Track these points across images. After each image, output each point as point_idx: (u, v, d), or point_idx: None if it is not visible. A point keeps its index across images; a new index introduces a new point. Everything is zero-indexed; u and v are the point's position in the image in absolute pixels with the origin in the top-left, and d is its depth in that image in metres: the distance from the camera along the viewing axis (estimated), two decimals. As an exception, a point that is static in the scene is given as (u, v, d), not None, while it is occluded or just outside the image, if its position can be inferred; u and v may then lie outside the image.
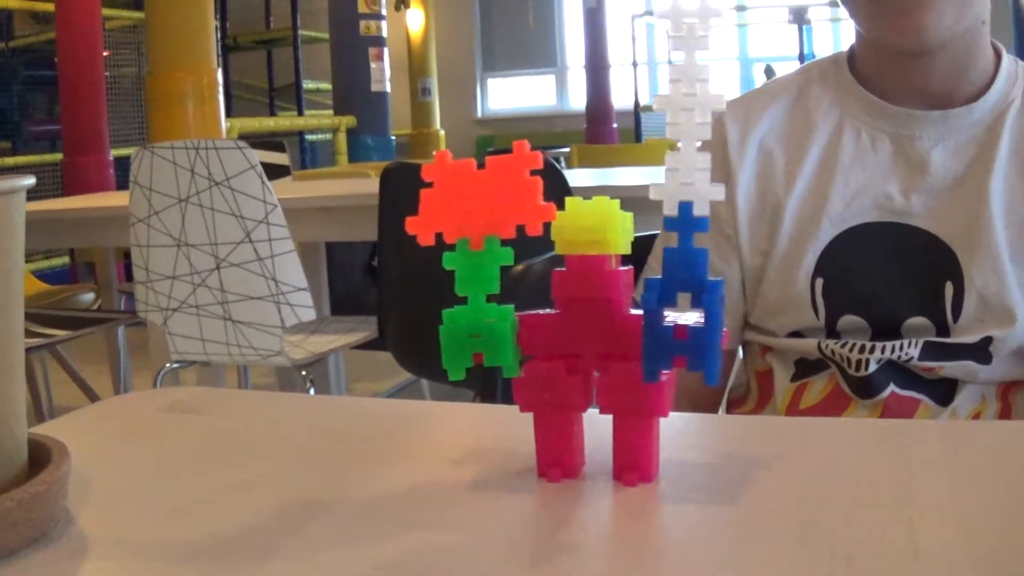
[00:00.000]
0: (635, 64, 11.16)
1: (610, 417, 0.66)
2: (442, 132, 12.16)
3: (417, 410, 0.90)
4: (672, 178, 0.60)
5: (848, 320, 1.23)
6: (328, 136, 10.26)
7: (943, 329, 1.20)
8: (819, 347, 1.23)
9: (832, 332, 1.24)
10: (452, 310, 0.64)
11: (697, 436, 0.79)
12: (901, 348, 1.20)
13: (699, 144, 0.61)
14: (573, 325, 0.65)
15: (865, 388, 1.22)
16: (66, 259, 7.80)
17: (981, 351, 1.20)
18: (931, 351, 1.20)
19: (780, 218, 1.24)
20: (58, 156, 7.57)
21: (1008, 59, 1.27)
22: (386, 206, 3.16)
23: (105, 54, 8.11)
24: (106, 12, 8.24)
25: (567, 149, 7.28)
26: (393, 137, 10.27)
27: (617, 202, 0.64)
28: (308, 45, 11.48)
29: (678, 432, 0.76)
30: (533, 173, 0.64)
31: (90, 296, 6.11)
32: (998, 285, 1.19)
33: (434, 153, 0.67)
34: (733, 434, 0.80)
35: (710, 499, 0.64)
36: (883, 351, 1.20)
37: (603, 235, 0.63)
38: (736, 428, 0.83)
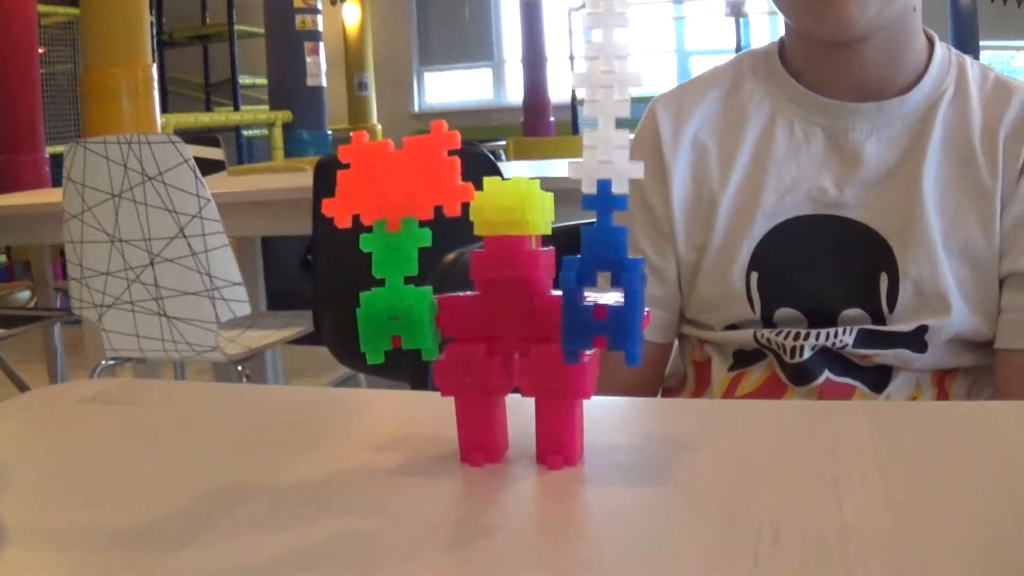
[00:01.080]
0: (572, 58, 11.17)
1: (533, 400, 0.65)
2: (379, 127, 12.10)
3: (343, 397, 0.88)
4: (590, 156, 0.60)
5: (784, 313, 1.23)
6: (264, 131, 10.18)
7: (879, 319, 1.21)
8: (755, 336, 1.23)
9: (768, 324, 1.24)
10: (370, 292, 0.63)
11: (623, 419, 0.79)
12: (836, 335, 1.20)
13: (617, 120, 0.60)
14: (493, 307, 0.65)
15: (800, 375, 1.22)
16: (2, 257, 7.70)
17: (916, 340, 1.20)
18: (866, 339, 1.20)
19: (715, 212, 1.24)
20: (-7, 154, 7.47)
21: (941, 47, 1.28)
22: (320, 199, 3.12)
23: (40, 51, 8.01)
24: (41, 8, 8.14)
25: (504, 142, 7.28)
26: (330, 132, 10.21)
27: (536, 182, 0.64)
28: (244, 40, 11.40)
29: (604, 415, 0.75)
30: (451, 153, 0.63)
31: (26, 294, 6.04)
32: (932, 276, 1.19)
33: (351, 134, 0.66)
34: (659, 416, 0.79)
35: (635, 480, 0.64)
36: (817, 338, 1.21)
37: (522, 215, 0.62)
38: (663, 410, 0.82)
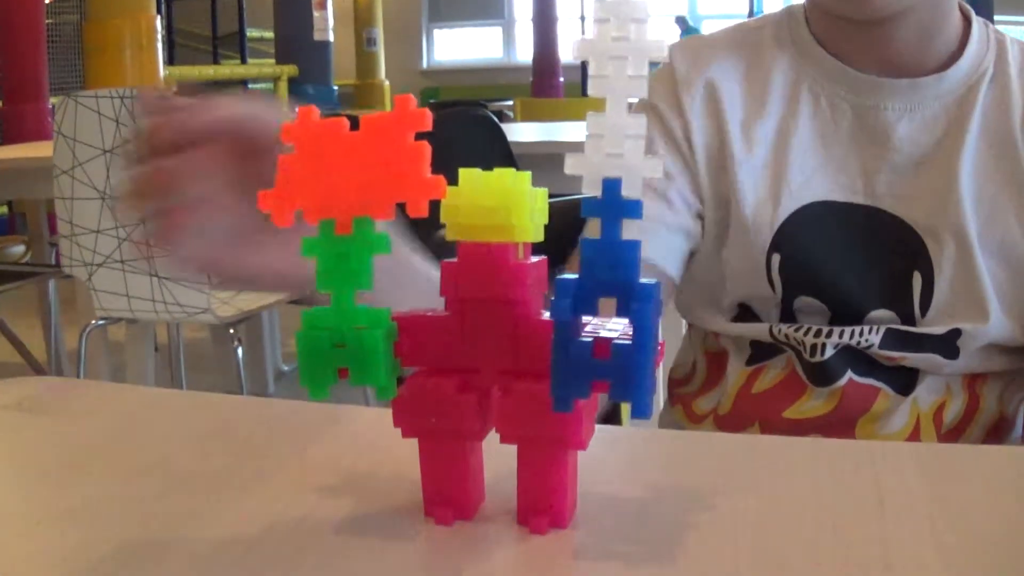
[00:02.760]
0: (583, 18, 11.00)
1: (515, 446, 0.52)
2: (387, 83, 11.95)
3: (298, 414, 0.74)
4: (595, 147, 0.46)
5: (806, 302, 1.11)
6: (271, 86, 10.07)
7: (909, 323, 1.09)
8: (771, 332, 1.10)
9: (788, 313, 1.12)
10: (312, 312, 0.49)
11: (624, 460, 0.64)
12: (861, 334, 1.08)
13: (632, 103, 0.47)
14: (468, 332, 0.51)
15: (821, 374, 1.10)
16: (3, 209, 7.59)
17: (948, 345, 1.08)
18: (894, 340, 1.08)
19: (736, 175, 1.11)
20: (-2, 104, 7.37)
21: (979, 24, 1.15)
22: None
23: (46, 1, 7.90)
24: (48, -43, 8.04)
25: (511, 102, 7.15)
26: (336, 87, 10.09)
27: (526, 176, 0.50)
28: (252, -8, 11.27)
29: (602, 454, 0.61)
30: (419, 137, 0.49)
31: (21, 248, 5.94)
32: (970, 277, 1.07)
33: (296, 108, 0.52)
34: (670, 458, 0.65)
35: (639, 552, 0.51)
36: (841, 336, 1.09)
37: (507, 218, 0.49)
38: (675, 449, 0.68)
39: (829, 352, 1.10)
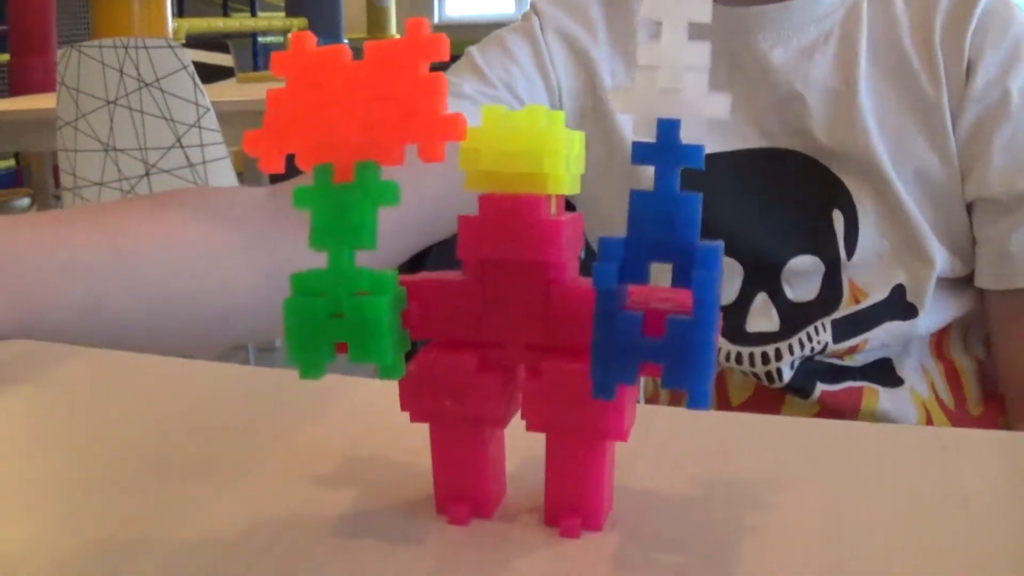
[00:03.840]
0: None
1: (543, 435, 0.44)
2: (398, 37, 11.88)
3: (290, 386, 0.66)
4: (647, 81, 0.38)
5: None
6: (281, 39, 10.01)
7: (835, 268, 1.01)
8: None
9: None
10: (303, 275, 0.41)
11: (663, 447, 0.55)
12: (809, 339, 1.01)
13: (690, 25, 0.39)
14: (490, 299, 0.43)
15: (791, 392, 1.02)
16: (11, 162, 7.53)
17: (899, 304, 1.01)
18: (844, 327, 1.01)
19: (614, 127, 1.02)
20: (4, 56, 7.32)
21: None
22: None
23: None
24: (58, -96, 7.97)
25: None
26: (347, 40, 10.02)
27: (561, 115, 0.42)
28: (262, -56, 11.19)
29: (633, 440, 0.53)
30: (434, 68, 0.41)
31: (26, 201, 5.89)
32: (895, 212, 1.00)
33: (289, 35, 0.44)
34: (714, 443, 0.56)
35: (688, 562, 0.43)
36: (791, 351, 1.01)
37: (537, 165, 0.41)
38: (718, 433, 0.59)
39: (788, 374, 1.02)
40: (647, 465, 0.52)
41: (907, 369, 1.04)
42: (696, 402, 0.37)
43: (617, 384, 0.38)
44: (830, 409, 1.03)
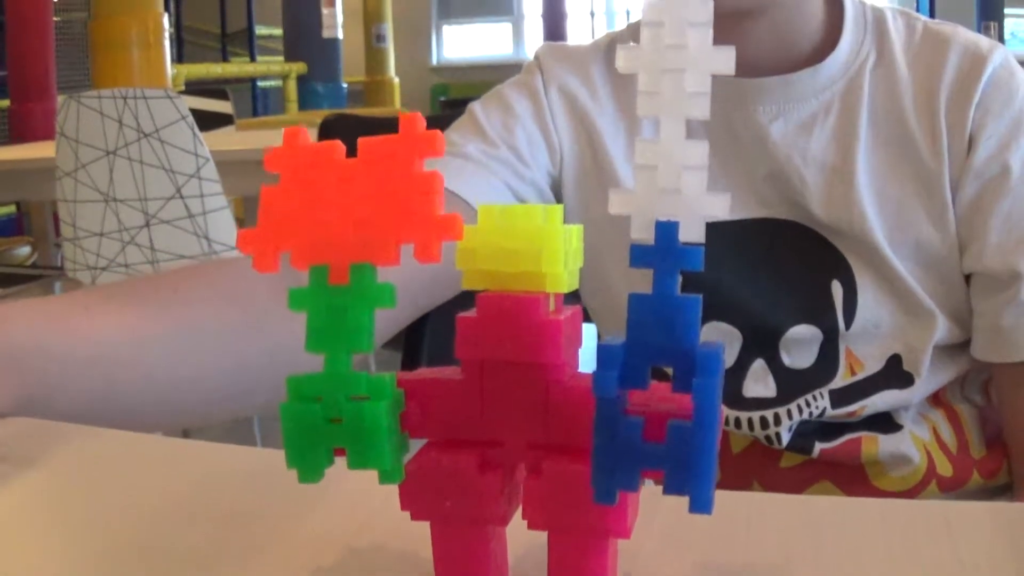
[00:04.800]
0: (592, 14, 10.93)
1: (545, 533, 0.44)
2: (396, 80, 11.91)
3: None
4: (647, 181, 0.37)
5: (715, 328, 1.03)
6: (280, 83, 10.06)
7: (832, 337, 1.01)
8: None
9: None
10: (300, 379, 0.41)
11: (664, 532, 0.54)
12: (808, 404, 1.01)
13: (689, 122, 0.38)
14: (489, 398, 0.42)
15: (790, 451, 1.03)
16: (12, 208, 7.56)
17: (896, 373, 1.01)
18: (842, 395, 1.01)
19: (616, 187, 1.02)
20: (4, 103, 7.37)
21: (853, 4, 1.05)
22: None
23: (54, -1, 7.89)
24: (56, -46, 8.03)
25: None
26: (346, 85, 10.06)
27: (559, 210, 0.42)
28: (261, -11, 11.26)
29: (641, 526, 0.52)
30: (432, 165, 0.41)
31: (26, 250, 5.91)
32: (893, 284, 1.00)
33: (283, 130, 0.44)
34: (715, 526, 0.55)
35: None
36: (790, 416, 1.01)
37: (536, 264, 0.40)
38: (724, 514, 0.57)
39: (786, 437, 1.02)
40: (651, 552, 0.51)
41: (907, 419, 1.03)
42: (699, 507, 0.37)
43: (619, 490, 0.38)
44: (830, 462, 1.03)
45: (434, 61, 13.76)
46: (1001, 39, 11.59)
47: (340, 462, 0.42)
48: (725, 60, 0.37)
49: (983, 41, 1.03)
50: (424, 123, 0.41)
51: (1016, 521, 0.56)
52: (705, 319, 0.99)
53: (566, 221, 1.02)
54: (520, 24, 13.35)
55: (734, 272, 1.02)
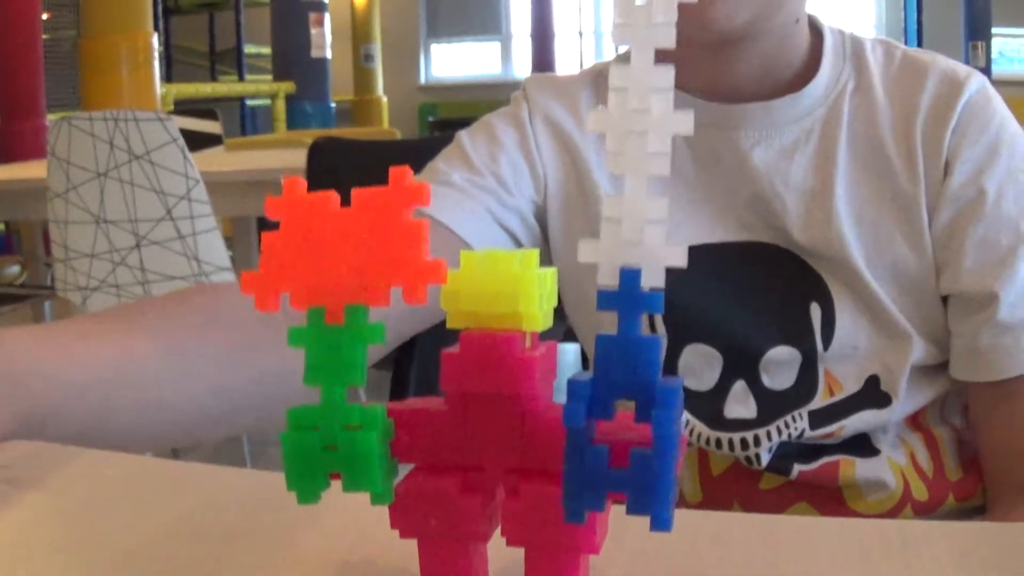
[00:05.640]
0: (580, 34, 11.00)
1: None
2: (384, 99, 11.96)
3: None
4: (611, 233, 0.42)
5: (695, 350, 1.06)
6: (269, 102, 10.09)
7: (811, 359, 1.04)
8: (694, 439, 1.07)
9: (673, 366, 1.07)
10: (299, 410, 0.45)
11: (639, 550, 0.58)
12: (787, 426, 1.04)
13: (652, 180, 0.42)
14: (470, 427, 0.47)
15: (770, 471, 1.06)
16: (1, 227, 7.58)
17: (873, 394, 1.04)
18: (821, 416, 1.04)
19: (599, 213, 1.06)
20: (-6, 121, 7.40)
21: (831, 34, 1.09)
22: (314, 183, 2.99)
23: (44, 16, 7.88)
24: (46, -28, 8.04)
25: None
26: (334, 104, 10.10)
27: (535, 255, 0.46)
28: (250, 9, 11.32)
29: (612, 543, 0.56)
30: (418, 214, 0.45)
31: (16, 269, 5.92)
32: (870, 306, 1.03)
33: (282, 179, 0.48)
34: (688, 542, 0.59)
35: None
36: (769, 437, 1.04)
37: (513, 305, 0.44)
38: (692, 531, 0.61)
39: (766, 458, 1.05)
40: (623, 565, 0.55)
41: (884, 443, 1.06)
42: (659, 526, 0.41)
43: (588, 511, 0.42)
44: (808, 484, 1.06)
45: (422, 80, 13.82)
46: (988, 59, 11.61)
47: (335, 484, 0.46)
48: (685, 123, 0.42)
49: (960, 68, 1.06)
50: (412, 175, 0.45)
51: (968, 539, 0.60)
52: (687, 341, 1.03)
53: (550, 245, 1.06)
54: (508, 43, 13.42)
55: (715, 295, 1.05)
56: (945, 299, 1.04)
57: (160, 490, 0.71)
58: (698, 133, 1.02)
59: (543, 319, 0.45)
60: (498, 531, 0.48)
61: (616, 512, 0.48)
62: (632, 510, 0.41)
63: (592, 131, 0.43)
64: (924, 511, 1.06)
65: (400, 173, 0.45)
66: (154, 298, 0.94)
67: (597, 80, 1.16)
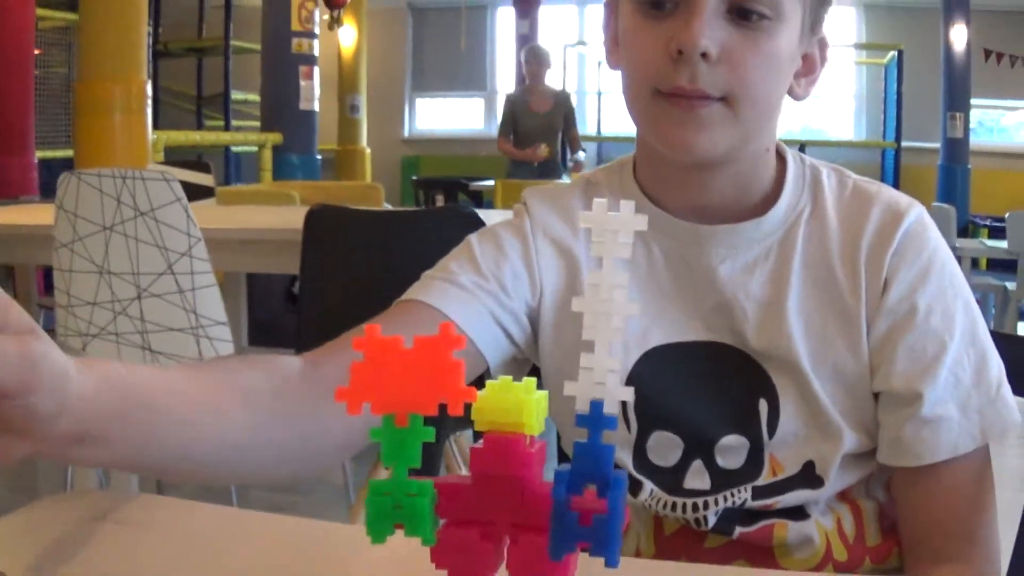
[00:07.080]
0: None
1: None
2: (368, 150, 12.08)
3: (336, 537, 0.92)
4: (586, 377, 0.66)
5: (660, 436, 1.23)
6: (255, 149, 10.16)
7: (758, 447, 1.21)
8: (648, 505, 1.24)
9: (641, 450, 1.24)
10: (378, 482, 0.69)
11: None
12: (732, 496, 1.21)
13: (612, 343, 0.66)
14: (489, 496, 0.70)
15: (714, 532, 1.23)
16: (-4, 269, 7.62)
17: (809, 477, 1.21)
18: (762, 491, 1.21)
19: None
20: (-16, 158, 7.43)
21: (793, 162, 1.25)
22: (309, 247, 3.18)
23: (36, 52, 7.95)
24: (40, 12, 8.11)
25: (491, 182, 7.27)
26: (319, 156, 10.17)
27: (532, 384, 0.70)
28: (239, 55, 11.42)
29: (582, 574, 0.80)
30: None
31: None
32: (811, 404, 1.19)
33: (364, 327, 0.72)
34: None
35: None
36: (716, 503, 1.21)
37: (518, 417, 0.68)
38: (634, 571, 0.85)
39: (712, 520, 1.21)
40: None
41: (816, 510, 1.22)
42: (610, 563, 0.65)
43: (566, 553, 0.66)
44: (747, 543, 1.23)
45: (406, 133, 13.94)
46: (967, 129, 11.74)
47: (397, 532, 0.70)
48: (630, 308, 0.66)
49: (903, 199, 1.20)
50: (454, 329, 0.69)
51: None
52: (654, 428, 1.29)
53: (539, 342, 1.26)
54: (493, 99, 13.54)
55: (679, 389, 1.22)
56: (876, 395, 1.19)
57: (250, 539, 0.92)
58: (674, 248, 1.25)
59: (538, 427, 0.70)
60: (504, 567, 0.72)
61: (583, 556, 0.72)
62: (593, 553, 0.65)
63: (576, 309, 0.67)
64: (844, 570, 1.23)
65: (447, 327, 0.69)
66: (224, 357, 1.09)
67: (584, 190, 1.31)
